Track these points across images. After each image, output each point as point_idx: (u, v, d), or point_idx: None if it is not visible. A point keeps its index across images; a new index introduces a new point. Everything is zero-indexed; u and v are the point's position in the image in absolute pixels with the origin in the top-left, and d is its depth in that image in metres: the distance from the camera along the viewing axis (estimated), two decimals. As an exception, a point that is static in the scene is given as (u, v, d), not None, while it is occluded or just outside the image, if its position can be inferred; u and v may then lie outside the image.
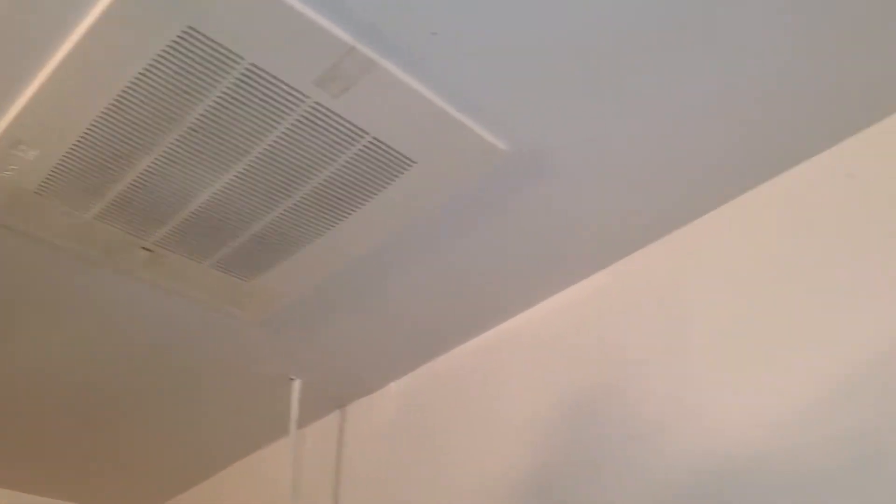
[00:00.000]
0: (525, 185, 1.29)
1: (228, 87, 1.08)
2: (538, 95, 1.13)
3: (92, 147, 1.16)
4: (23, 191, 1.23)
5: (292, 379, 1.77)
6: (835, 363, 1.11)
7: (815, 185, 1.23)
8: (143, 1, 0.97)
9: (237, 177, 1.22)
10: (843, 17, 1.04)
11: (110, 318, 1.60)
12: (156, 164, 1.19)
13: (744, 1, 1.01)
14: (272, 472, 1.98)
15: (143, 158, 1.18)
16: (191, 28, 1.00)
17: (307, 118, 1.12)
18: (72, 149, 1.16)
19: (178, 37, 1.01)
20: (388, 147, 1.18)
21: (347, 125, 1.14)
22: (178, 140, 1.15)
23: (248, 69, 1.06)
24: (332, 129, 1.14)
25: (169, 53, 1.03)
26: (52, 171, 1.19)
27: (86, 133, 1.14)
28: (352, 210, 1.28)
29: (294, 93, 1.09)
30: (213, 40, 1.02)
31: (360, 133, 1.15)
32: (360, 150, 1.17)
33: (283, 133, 1.14)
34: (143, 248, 1.36)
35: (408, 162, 1.20)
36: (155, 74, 1.06)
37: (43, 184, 1.22)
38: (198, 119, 1.12)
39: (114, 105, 1.10)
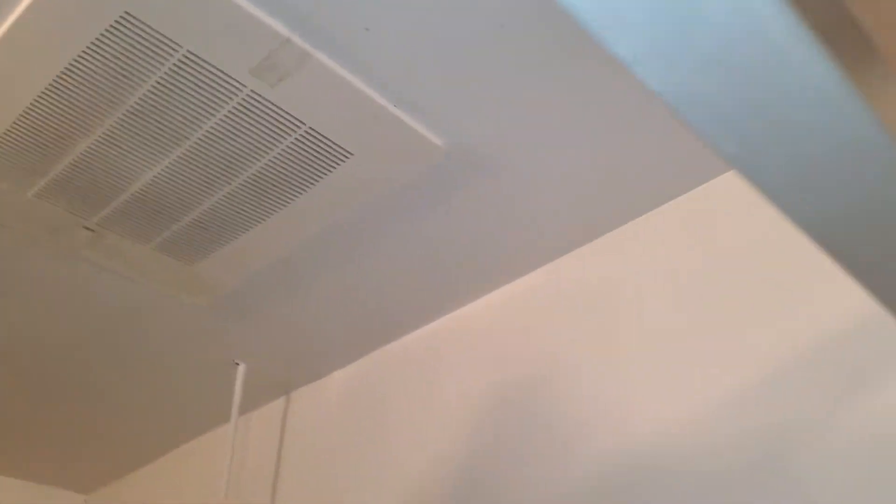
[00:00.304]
0: (463, 182, 1.32)
1: (166, 73, 1.10)
2: (475, 94, 1.16)
3: (31, 127, 1.17)
4: (-37, 167, 1.24)
5: (237, 363, 1.79)
6: (744, 368, 1.15)
7: (744, 192, 1.27)
8: (81, -15, 0.99)
9: (177, 161, 1.24)
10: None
11: (53, 299, 1.62)
12: (96, 145, 1.21)
13: None
14: (215, 457, 2.00)
15: (83, 139, 1.20)
16: (128, 13, 1.02)
17: (244, 106, 1.14)
18: (11, 128, 1.18)
19: (116, 21, 1.03)
20: (325, 138, 1.20)
21: (284, 114, 1.16)
22: (117, 123, 1.17)
23: (185, 56, 1.08)
24: (268, 118, 1.16)
25: (107, 37, 1.05)
26: (-8, 148, 1.21)
27: (25, 113, 1.15)
28: (291, 198, 1.31)
29: (231, 81, 1.11)
30: (149, 26, 1.04)
31: (297, 123, 1.18)
32: (296, 139, 1.20)
33: (220, 120, 1.17)
34: (86, 227, 1.38)
35: (345, 154, 1.23)
36: (93, 58, 1.07)
37: (-17, 161, 1.23)
38: (137, 103, 1.14)
39: (53, 86, 1.11)
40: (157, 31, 1.05)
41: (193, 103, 1.14)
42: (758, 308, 1.17)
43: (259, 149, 1.21)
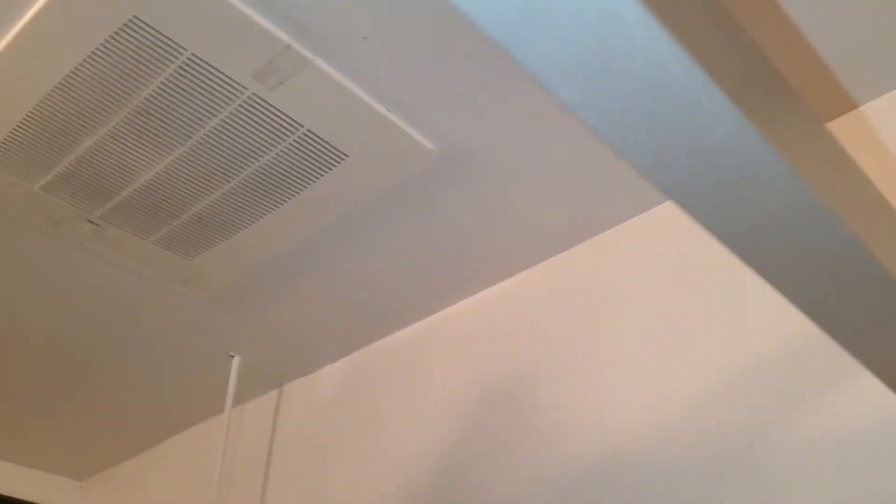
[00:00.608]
0: (453, 183, 1.37)
1: (171, 75, 1.15)
2: (467, 100, 1.21)
3: (40, 123, 1.22)
4: (-27, 160, 1.29)
5: (232, 356, 1.84)
6: (717, 368, 1.20)
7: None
8: (92, -11, 1.04)
9: (179, 159, 1.29)
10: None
11: (52, 289, 1.66)
12: (101, 142, 1.26)
13: None
14: (208, 447, 2.05)
15: (89, 136, 1.25)
16: (136, 17, 1.07)
17: (245, 108, 1.19)
18: (21, 123, 1.22)
19: (125, 24, 1.08)
20: (322, 140, 1.25)
21: (283, 116, 1.21)
22: (123, 121, 1.22)
23: (189, 59, 1.13)
24: (268, 120, 1.21)
25: (115, 40, 1.10)
26: (2, 144, 1.25)
27: (34, 110, 1.20)
28: (288, 197, 1.36)
29: (233, 83, 1.16)
30: (156, 30, 1.09)
31: (295, 125, 1.23)
32: (294, 140, 1.25)
33: (222, 120, 1.22)
34: (89, 220, 1.42)
35: (340, 155, 1.28)
36: (102, 58, 1.12)
37: (-8, 154, 1.28)
38: (142, 103, 1.19)
39: (62, 85, 1.16)
40: (164, 35, 1.10)
41: (197, 104, 1.19)
42: (733, 312, 1.22)
43: (258, 149, 1.26)
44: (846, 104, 1.23)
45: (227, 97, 1.18)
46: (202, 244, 1.48)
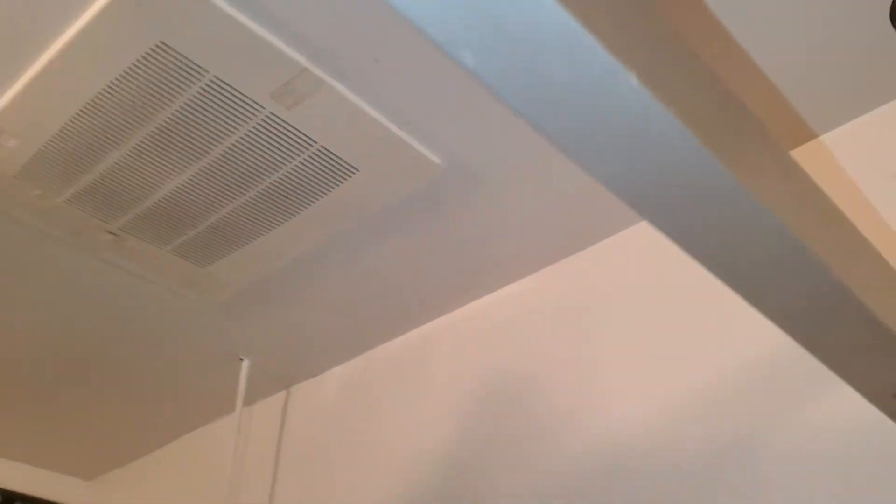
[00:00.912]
0: (458, 196, 1.44)
1: (193, 96, 1.22)
2: (471, 118, 1.29)
3: (68, 140, 1.29)
4: (3, 175, 1.35)
5: (241, 359, 1.91)
6: (707, 375, 1.28)
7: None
8: (123, 16, 1.11)
9: (197, 174, 1.35)
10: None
11: (72, 294, 1.73)
12: (124, 157, 1.32)
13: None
14: (217, 447, 2.12)
15: (113, 152, 1.31)
16: (162, 42, 1.14)
17: (262, 126, 1.26)
18: (49, 141, 1.29)
19: (151, 49, 1.15)
20: (334, 155, 1.32)
21: (298, 134, 1.28)
22: (145, 138, 1.29)
23: (211, 81, 1.20)
24: (284, 137, 1.28)
25: (142, 63, 1.17)
26: (31, 159, 1.32)
27: (63, 128, 1.27)
28: (301, 208, 1.43)
29: (251, 103, 1.23)
30: (181, 54, 1.16)
31: (310, 141, 1.30)
32: (309, 156, 1.32)
33: (240, 137, 1.28)
34: (108, 231, 1.49)
35: (352, 169, 1.35)
36: (129, 80, 1.19)
37: (21, 170, 1.34)
38: (165, 121, 1.26)
39: (90, 105, 1.23)
40: (188, 59, 1.16)
41: (217, 122, 1.26)
42: (725, 320, 1.30)
43: (274, 164, 1.33)
44: (806, 134, 1.32)
45: (246, 116, 1.25)
46: (216, 253, 1.55)
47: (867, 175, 1.25)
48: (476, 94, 1.24)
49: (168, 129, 1.27)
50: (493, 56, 0.35)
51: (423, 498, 1.60)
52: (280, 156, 1.32)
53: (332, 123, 1.27)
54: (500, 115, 1.28)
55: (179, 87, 1.20)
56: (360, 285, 1.69)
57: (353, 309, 1.76)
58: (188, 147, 1.30)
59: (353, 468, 1.77)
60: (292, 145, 1.30)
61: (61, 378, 2.05)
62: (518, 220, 1.50)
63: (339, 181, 1.37)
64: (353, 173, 1.36)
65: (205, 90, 1.21)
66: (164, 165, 1.34)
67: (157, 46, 1.14)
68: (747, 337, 1.25)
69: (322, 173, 1.35)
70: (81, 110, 1.24)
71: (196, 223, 1.47)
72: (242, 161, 1.33)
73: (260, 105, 1.23)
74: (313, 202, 1.41)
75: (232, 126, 1.27)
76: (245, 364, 1.91)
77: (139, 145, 1.30)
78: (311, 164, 1.33)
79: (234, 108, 1.24)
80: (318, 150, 1.31)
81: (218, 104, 1.23)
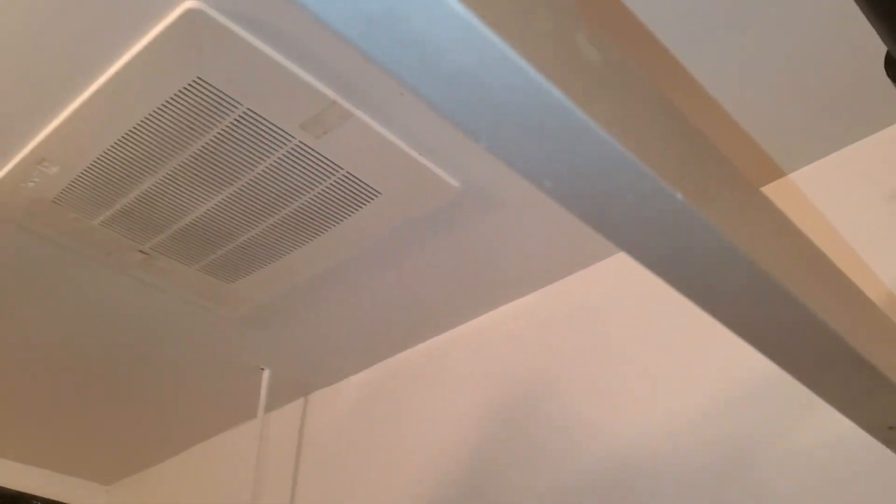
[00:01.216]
0: (474, 215, 1.52)
1: (227, 126, 1.28)
2: (487, 144, 1.35)
3: (105, 168, 1.36)
4: (41, 199, 1.42)
5: (262, 369, 1.98)
6: (712, 386, 1.35)
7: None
8: (163, 54, 1.18)
9: (228, 198, 1.42)
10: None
11: (103, 308, 1.80)
12: (158, 183, 1.39)
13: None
14: (235, 453, 2.19)
15: (147, 179, 1.38)
16: (199, 78, 1.21)
17: (292, 154, 1.33)
18: (88, 168, 1.36)
19: (189, 84, 1.21)
20: (359, 180, 1.39)
21: (326, 161, 1.35)
22: (179, 165, 1.35)
23: (244, 113, 1.26)
24: (312, 164, 1.35)
25: (180, 96, 1.23)
26: (69, 184, 1.39)
27: (101, 156, 1.34)
28: (326, 229, 1.50)
29: (282, 133, 1.30)
30: (217, 88, 1.22)
31: (336, 168, 1.36)
32: (335, 181, 1.39)
33: (271, 164, 1.35)
34: (140, 251, 1.56)
35: (374, 193, 1.42)
36: (166, 112, 1.26)
37: (59, 194, 1.41)
38: (199, 150, 1.32)
39: (128, 135, 1.30)
40: (223, 92, 1.23)
41: (248, 150, 1.33)
42: (728, 336, 1.37)
43: (302, 188, 1.40)
44: (774, 172, 1.42)
45: (277, 145, 1.32)
46: (242, 270, 1.62)
47: (838, 210, 1.34)
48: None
49: (201, 157, 1.34)
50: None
51: None
52: (307, 181, 1.39)
53: (357, 151, 1.34)
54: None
55: (214, 118, 1.27)
56: (378, 297, 1.76)
57: (370, 319, 1.83)
58: (220, 174, 1.37)
59: (370, 473, 1.84)
60: (319, 171, 1.37)
61: (86, 385, 2.12)
62: (530, 238, 1.58)
63: (363, 204, 1.44)
64: (376, 196, 1.43)
65: (238, 121, 1.27)
66: (197, 191, 1.41)
67: (194, 82, 1.21)
68: (751, 351, 1.33)
69: (346, 197, 1.42)
70: (120, 140, 1.30)
71: (224, 243, 1.54)
72: (272, 186, 1.40)
73: (290, 135, 1.30)
74: (338, 223, 1.48)
75: (263, 154, 1.33)
76: (266, 374, 1.98)
77: (173, 172, 1.37)
78: (337, 188, 1.40)
79: (266, 138, 1.30)
80: (344, 176, 1.38)
81: (250, 134, 1.30)
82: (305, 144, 1.32)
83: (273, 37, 1.17)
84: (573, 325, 1.61)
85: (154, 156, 1.34)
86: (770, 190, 1.43)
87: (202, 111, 1.26)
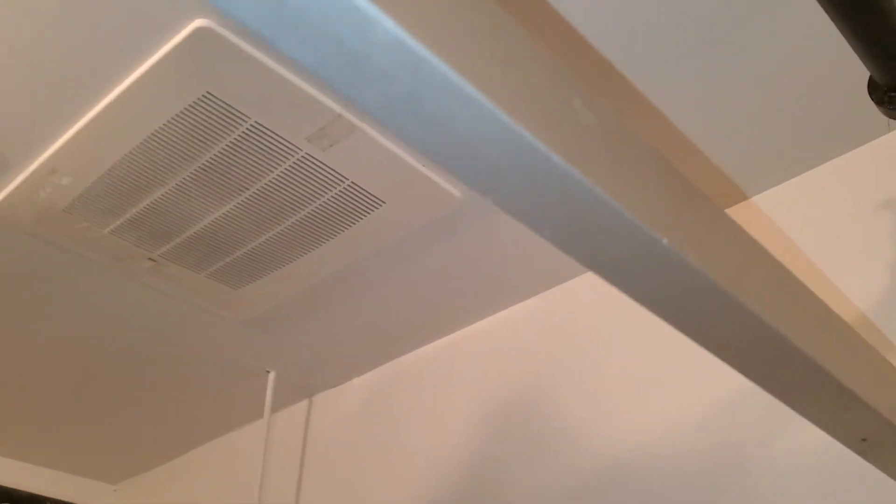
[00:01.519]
0: (474, 222, 1.55)
1: (235, 139, 1.32)
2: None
3: (116, 178, 1.39)
4: (53, 208, 1.45)
5: (268, 371, 2.02)
6: (703, 392, 1.39)
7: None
8: (174, 69, 1.21)
9: (235, 207, 1.46)
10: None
11: (113, 313, 1.83)
12: (168, 194, 1.43)
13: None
14: (240, 454, 2.23)
15: (157, 189, 1.42)
16: (209, 93, 1.24)
17: (298, 165, 1.37)
18: (99, 178, 1.39)
19: (199, 98, 1.25)
20: (363, 190, 1.43)
21: (331, 171, 1.38)
22: (189, 176, 1.39)
23: (252, 125, 1.30)
24: (318, 174, 1.39)
25: (190, 110, 1.27)
26: (81, 195, 1.42)
27: (112, 167, 1.37)
28: (330, 237, 1.53)
29: (289, 145, 1.33)
30: (226, 102, 1.26)
31: (341, 178, 1.40)
32: (340, 191, 1.42)
33: (277, 175, 1.39)
34: (149, 258, 1.59)
35: (379, 202, 1.45)
36: (176, 125, 1.29)
37: (71, 204, 1.44)
38: (207, 161, 1.36)
39: (139, 147, 1.33)
40: (232, 106, 1.27)
41: (256, 162, 1.36)
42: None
43: (307, 198, 1.44)
44: (737, 195, 1.48)
45: (284, 156, 1.35)
46: (249, 277, 1.65)
47: (802, 232, 1.38)
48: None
49: (210, 168, 1.37)
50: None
51: None
52: (313, 191, 1.42)
53: (362, 162, 1.37)
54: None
55: (223, 131, 1.30)
56: (381, 302, 1.79)
57: (374, 323, 1.87)
58: (228, 184, 1.41)
59: (373, 474, 1.88)
60: (325, 182, 1.40)
61: (94, 387, 2.15)
62: (529, 244, 1.61)
63: (367, 212, 1.47)
64: (380, 205, 1.46)
65: (246, 134, 1.31)
66: (205, 200, 1.44)
67: (204, 96, 1.24)
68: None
69: (351, 206, 1.46)
70: (131, 152, 1.34)
71: (232, 251, 1.57)
72: (278, 196, 1.43)
73: (297, 147, 1.33)
74: (342, 231, 1.52)
75: (270, 166, 1.37)
76: (272, 376, 2.02)
77: (182, 183, 1.40)
78: (342, 197, 1.44)
79: (273, 150, 1.34)
80: (349, 186, 1.41)
81: (258, 146, 1.33)
82: (311, 156, 1.35)
83: (280, 53, 1.20)
84: (572, 329, 1.64)
85: (164, 167, 1.37)
86: (734, 213, 1.47)
87: (211, 124, 1.29)
